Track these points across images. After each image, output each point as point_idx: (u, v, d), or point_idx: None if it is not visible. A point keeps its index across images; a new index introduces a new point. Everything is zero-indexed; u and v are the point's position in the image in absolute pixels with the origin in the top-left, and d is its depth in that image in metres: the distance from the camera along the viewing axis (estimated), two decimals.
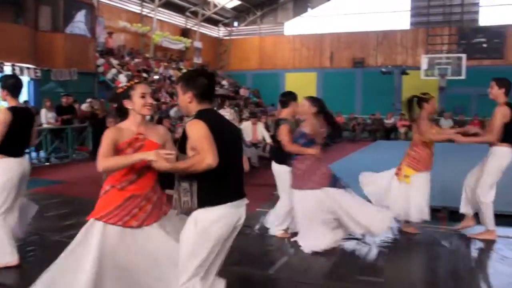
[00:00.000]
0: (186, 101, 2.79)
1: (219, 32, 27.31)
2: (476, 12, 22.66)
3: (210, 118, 2.71)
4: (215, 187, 2.71)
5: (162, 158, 2.68)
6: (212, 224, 2.68)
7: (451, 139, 5.31)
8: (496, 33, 22.03)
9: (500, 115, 5.02)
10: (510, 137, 5.05)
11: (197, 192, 2.70)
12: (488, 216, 5.16)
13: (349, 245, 5.03)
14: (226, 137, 2.76)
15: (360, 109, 22.20)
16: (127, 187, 2.96)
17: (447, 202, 6.25)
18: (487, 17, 22.45)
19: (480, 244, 5.10)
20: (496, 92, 5.13)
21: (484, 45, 22.26)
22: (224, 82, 22.92)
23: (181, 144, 2.75)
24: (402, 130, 19.17)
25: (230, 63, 26.18)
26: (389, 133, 19.74)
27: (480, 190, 5.15)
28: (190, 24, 24.36)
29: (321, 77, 23.96)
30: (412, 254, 4.96)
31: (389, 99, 21.61)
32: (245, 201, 2.86)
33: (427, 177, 5.39)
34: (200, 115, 2.71)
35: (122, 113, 3.05)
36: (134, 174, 2.94)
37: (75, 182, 8.85)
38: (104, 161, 2.83)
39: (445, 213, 6.19)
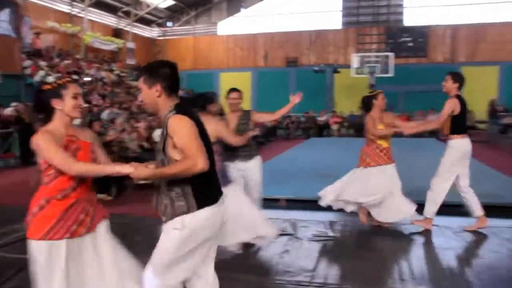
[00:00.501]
0: (154, 95, 2.57)
1: (152, 32, 26.92)
2: (401, 13, 23.67)
3: (191, 112, 2.56)
4: (205, 188, 2.58)
5: (140, 168, 2.47)
6: (200, 227, 2.55)
7: (398, 132, 5.57)
8: (420, 33, 23.12)
9: (448, 106, 5.33)
10: (460, 128, 5.39)
11: (193, 195, 2.53)
12: (430, 204, 5.44)
13: (281, 240, 5.14)
14: (205, 131, 2.63)
15: (294, 107, 22.47)
16: (70, 194, 2.68)
17: None
18: (411, 18, 23.53)
19: (409, 233, 5.40)
20: (450, 86, 5.41)
21: (410, 44, 23.29)
22: None
23: (163, 143, 2.54)
24: (334, 127, 19.78)
25: None
26: (322, 130, 20.31)
27: (435, 179, 5.43)
28: (122, 24, 23.86)
29: (256, 77, 24.21)
30: (342, 247, 5.11)
31: (322, 97, 22.22)
32: (224, 197, 2.74)
33: (365, 172, 5.55)
34: (180, 109, 2.52)
35: (48, 114, 2.74)
36: (77, 178, 2.68)
37: (1, 190, 8.47)
38: (77, 165, 2.58)
39: None
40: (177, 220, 2.54)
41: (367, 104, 5.60)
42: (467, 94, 20.34)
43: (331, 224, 5.77)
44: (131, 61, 23.22)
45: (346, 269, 4.38)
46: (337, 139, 18.13)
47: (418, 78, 20.53)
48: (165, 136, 2.53)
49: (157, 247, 2.63)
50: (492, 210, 6.20)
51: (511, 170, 9.66)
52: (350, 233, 5.52)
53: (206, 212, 2.55)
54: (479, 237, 5.29)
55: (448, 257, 4.66)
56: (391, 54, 20.94)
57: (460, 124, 5.40)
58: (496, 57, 21.69)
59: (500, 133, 16.04)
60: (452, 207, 5.89)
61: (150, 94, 2.59)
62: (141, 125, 10.39)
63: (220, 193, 2.70)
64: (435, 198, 5.43)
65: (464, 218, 5.76)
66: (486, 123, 19.30)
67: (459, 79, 5.44)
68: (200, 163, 2.41)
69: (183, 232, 2.52)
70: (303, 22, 24.04)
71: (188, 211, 2.53)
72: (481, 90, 20.13)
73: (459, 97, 5.38)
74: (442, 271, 4.30)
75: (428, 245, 5.08)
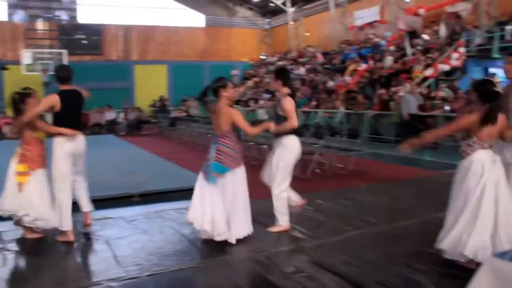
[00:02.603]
0: None
1: None
2: (75, 10, 23.34)
3: None
4: None
5: None
6: None
7: None
8: (94, 31, 23.33)
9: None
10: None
11: None
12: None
13: None
14: None
15: None
16: None
17: None
18: (86, 16, 23.46)
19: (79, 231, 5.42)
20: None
21: (84, 42, 23.24)
22: None
23: None
24: (6, 129, 18.11)
25: None
26: None
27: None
28: None
29: None
30: (14, 257, 4.79)
31: None
32: None
33: (43, 175, 5.14)
34: None
35: None
36: None
37: None
38: None
39: None
40: None
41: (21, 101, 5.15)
42: (143, 91, 21.88)
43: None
44: None
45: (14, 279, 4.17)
46: (9, 142, 16.62)
47: (94, 76, 20.64)
48: None
49: None
50: (160, 195, 6.88)
51: (177, 158, 10.84)
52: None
53: None
54: (149, 222, 5.76)
55: (122, 246, 4.92)
56: (64, 51, 20.43)
57: None
58: (164, 57, 23.77)
59: (170, 126, 17.61)
60: (124, 199, 6.25)
61: None
62: None
63: None
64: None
65: (135, 207, 6.21)
66: (157, 118, 20.92)
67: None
68: None
69: None
70: None
71: None
72: (153, 87, 21.75)
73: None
74: (116, 259, 4.52)
75: (104, 238, 5.22)
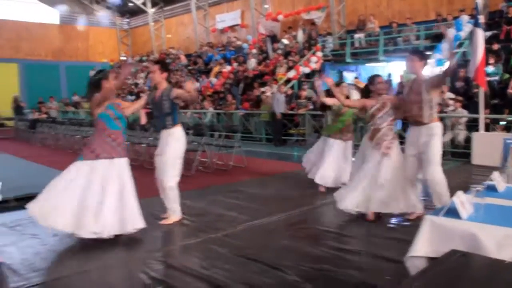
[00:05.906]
0: None
1: None
2: None
3: None
4: None
5: None
6: None
7: None
8: None
9: None
10: None
11: None
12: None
13: None
14: None
15: None
16: None
17: None
18: None
19: None
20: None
21: None
22: None
23: None
24: None
25: None
26: None
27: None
28: None
29: None
30: None
31: None
32: None
33: None
34: None
35: None
36: None
37: None
38: None
39: None
40: None
41: None
42: None
43: None
44: None
45: None
46: None
47: None
48: None
49: None
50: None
51: (45, 160, 10.15)
52: None
53: None
54: (36, 226, 5.24)
55: (12, 253, 4.46)
56: None
57: None
58: (15, 54, 21.76)
59: (30, 128, 16.22)
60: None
61: None
62: None
63: None
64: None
65: (13, 212, 5.72)
66: (13, 120, 19.13)
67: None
68: None
69: None
70: None
71: None
72: (3, 87, 19.78)
73: None
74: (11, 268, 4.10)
75: None
